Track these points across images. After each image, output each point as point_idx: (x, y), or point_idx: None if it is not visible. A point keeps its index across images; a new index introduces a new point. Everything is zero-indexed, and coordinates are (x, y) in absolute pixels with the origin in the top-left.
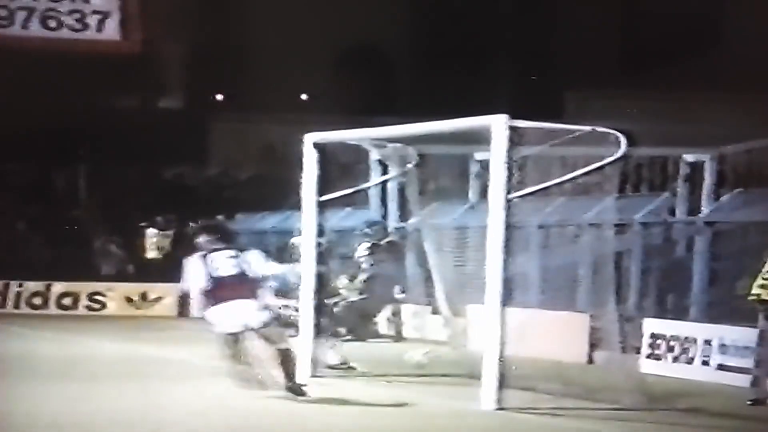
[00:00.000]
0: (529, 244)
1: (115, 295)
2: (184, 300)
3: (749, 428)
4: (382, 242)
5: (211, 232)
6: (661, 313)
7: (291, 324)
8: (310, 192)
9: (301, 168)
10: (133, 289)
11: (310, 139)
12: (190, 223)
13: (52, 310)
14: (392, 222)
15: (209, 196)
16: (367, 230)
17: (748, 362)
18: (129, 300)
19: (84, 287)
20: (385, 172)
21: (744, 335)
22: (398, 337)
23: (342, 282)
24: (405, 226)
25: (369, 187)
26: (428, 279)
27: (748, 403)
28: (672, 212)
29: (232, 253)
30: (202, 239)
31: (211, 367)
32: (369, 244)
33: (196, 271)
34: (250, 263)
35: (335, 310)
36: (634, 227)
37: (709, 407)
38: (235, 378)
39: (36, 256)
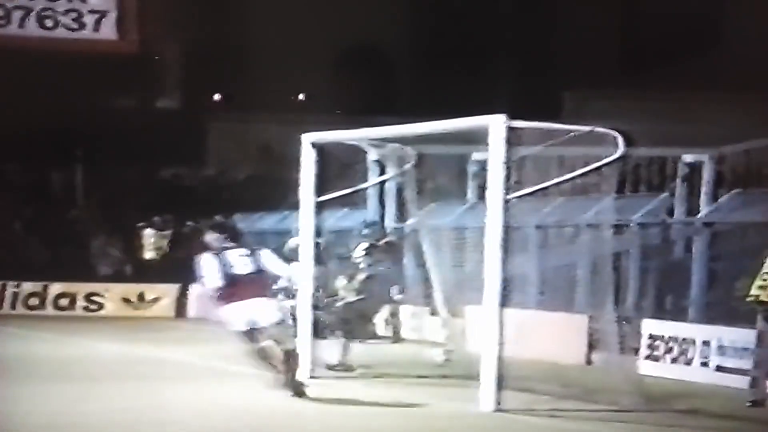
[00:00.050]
0: (528, 245)
1: (113, 295)
2: (182, 300)
3: (748, 430)
4: (380, 243)
5: (221, 230)
6: (660, 314)
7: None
8: (308, 192)
9: (298, 168)
10: (131, 289)
11: (307, 139)
12: (188, 223)
13: (49, 310)
14: (390, 222)
15: (207, 197)
16: (365, 230)
17: (746, 363)
18: (126, 301)
19: (81, 288)
20: (383, 172)
21: (743, 336)
22: (396, 338)
23: (340, 282)
24: (403, 226)
25: (367, 188)
26: (426, 279)
27: (747, 404)
28: (670, 213)
29: (246, 251)
30: (211, 238)
31: (210, 368)
32: (367, 245)
33: (212, 269)
34: (264, 262)
35: (332, 310)
36: (633, 228)
37: (707, 408)
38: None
39: (33, 256)
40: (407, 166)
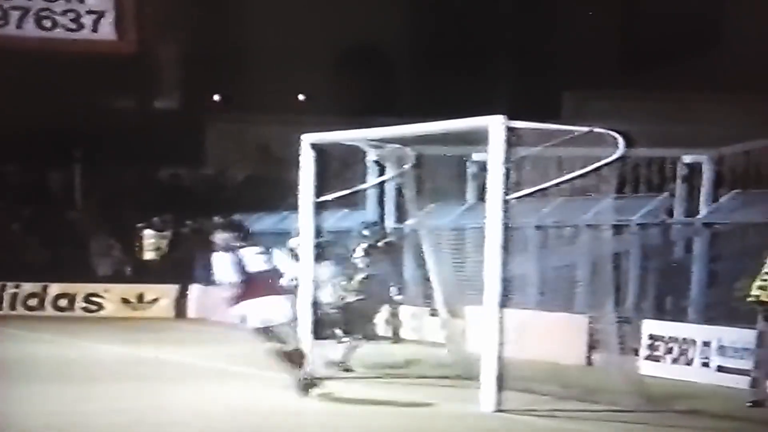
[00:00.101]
0: (527, 245)
1: (112, 296)
2: (182, 301)
3: (748, 430)
4: (379, 243)
5: (232, 229)
6: (660, 315)
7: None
8: (308, 193)
9: (298, 169)
10: (130, 290)
11: (307, 139)
12: (187, 222)
13: (49, 311)
14: (390, 223)
15: (206, 197)
16: (365, 231)
17: (747, 364)
18: (126, 301)
19: (80, 288)
20: (382, 172)
21: (743, 337)
22: (396, 339)
23: (339, 282)
24: (402, 227)
25: (366, 188)
26: (426, 280)
27: (748, 404)
28: (670, 213)
29: (260, 249)
30: (222, 237)
31: (209, 368)
32: (366, 245)
33: (227, 266)
34: (278, 261)
35: (332, 310)
36: (633, 228)
37: (708, 409)
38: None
39: (32, 257)
40: (407, 167)
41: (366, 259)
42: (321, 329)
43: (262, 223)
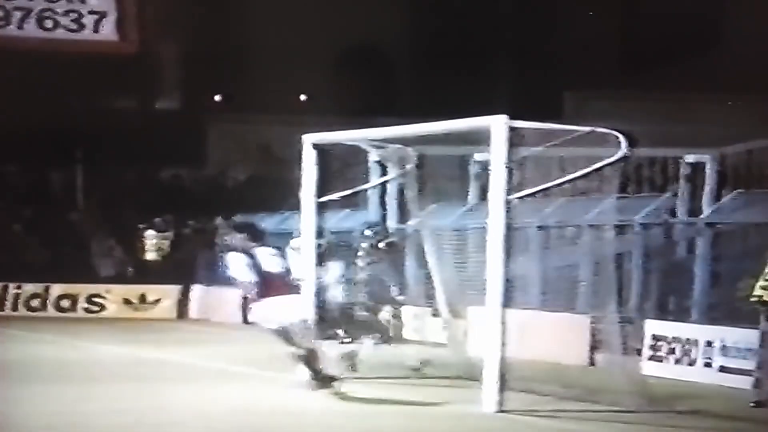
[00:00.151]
0: (530, 246)
1: (114, 297)
2: (184, 301)
3: (751, 430)
4: (381, 243)
5: (247, 230)
6: (663, 315)
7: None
8: (310, 193)
9: (299, 169)
10: (132, 291)
11: (309, 139)
12: (188, 222)
13: (51, 312)
14: (392, 223)
15: (208, 198)
16: (367, 231)
17: (750, 364)
18: (128, 302)
19: (82, 289)
20: (384, 173)
21: (746, 337)
22: (398, 339)
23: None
24: (404, 227)
25: (368, 189)
26: (428, 280)
27: (751, 405)
28: (673, 213)
29: (274, 250)
30: (237, 238)
31: (211, 369)
32: (368, 245)
33: (243, 267)
34: (292, 261)
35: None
36: (635, 228)
37: (711, 409)
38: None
39: (34, 257)
40: (408, 167)
41: (368, 260)
42: (323, 329)
43: (263, 223)
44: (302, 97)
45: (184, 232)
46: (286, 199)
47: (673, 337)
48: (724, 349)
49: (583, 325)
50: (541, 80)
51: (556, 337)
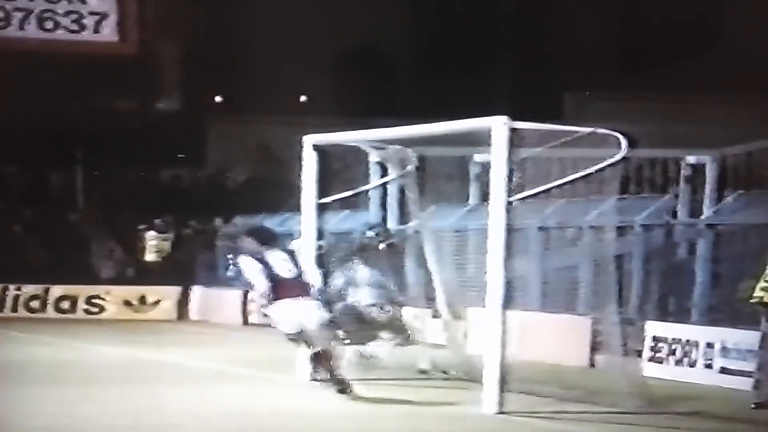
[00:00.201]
0: (530, 247)
1: (114, 298)
2: (184, 303)
3: None
4: (381, 244)
5: (256, 234)
6: (663, 316)
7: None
8: (310, 194)
9: (300, 170)
10: (132, 292)
11: (309, 140)
12: (189, 223)
13: (51, 313)
14: (392, 224)
15: (208, 199)
16: (368, 232)
17: (750, 365)
18: (128, 303)
19: (82, 290)
20: (384, 174)
21: (746, 338)
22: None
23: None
24: (405, 228)
25: (368, 190)
26: (428, 282)
27: (751, 406)
28: (673, 214)
29: (286, 254)
30: (248, 242)
31: (211, 370)
32: (368, 246)
33: (256, 273)
34: (306, 264)
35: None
36: (636, 229)
37: (711, 411)
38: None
39: (34, 259)
40: (409, 168)
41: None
42: (339, 331)
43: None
44: (302, 98)
45: (184, 233)
46: (286, 200)
47: (674, 339)
48: (725, 351)
49: (584, 326)
50: (542, 81)
51: (556, 339)
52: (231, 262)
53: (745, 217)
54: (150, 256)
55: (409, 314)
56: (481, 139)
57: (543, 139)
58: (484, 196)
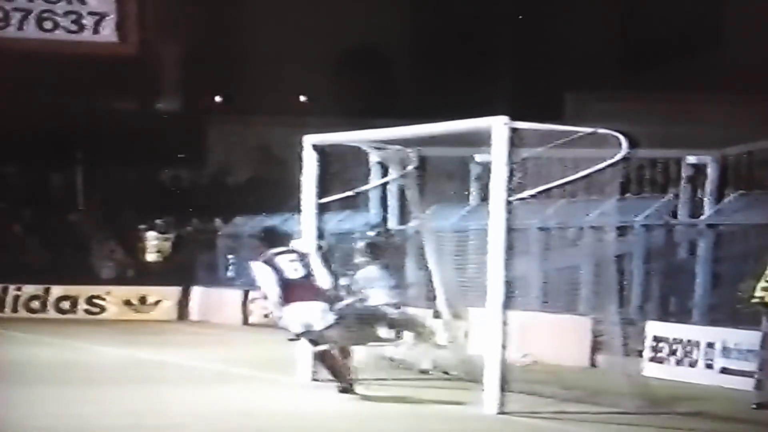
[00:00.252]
0: (531, 247)
1: (115, 298)
2: (184, 303)
3: None
4: (382, 244)
5: (267, 238)
6: (664, 316)
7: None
8: (310, 194)
9: (300, 170)
10: (133, 292)
11: (309, 140)
12: (189, 223)
13: (51, 313)
14: (392, 224)
15: (209, 199)
16: (369, 232)
17: (751, 365)
18: (128, 303)
19: (83, 291)
20: (385, 174)
21: (747, 338)
22: (399, 341)
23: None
24: (405, 228)
25: (369, 190)
26: (429, 282)
27: (752, 406)
28: (674, 214)
29: (295, 256)
30: (257, 245)
31: (211, 371)
32: (368, 247)
33: (268, 275)
34: (314, 266)
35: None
36: (636, 229)
37: (712, 411)
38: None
39: (34, 259)
40: (409, 168)
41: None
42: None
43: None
44: (302, 98)
45: (184, 234)
46: (286, 200)
47: (675, 339)
48: (726, 351)
49: (584, 326)
50: (542, 81)
51: (557, 339)
52: (231, 262)
53: (746, 217)
54: (150, 257)
55: (425, 315)
56: (482, 139)
57: (543, 139)
58: (485, 197)
